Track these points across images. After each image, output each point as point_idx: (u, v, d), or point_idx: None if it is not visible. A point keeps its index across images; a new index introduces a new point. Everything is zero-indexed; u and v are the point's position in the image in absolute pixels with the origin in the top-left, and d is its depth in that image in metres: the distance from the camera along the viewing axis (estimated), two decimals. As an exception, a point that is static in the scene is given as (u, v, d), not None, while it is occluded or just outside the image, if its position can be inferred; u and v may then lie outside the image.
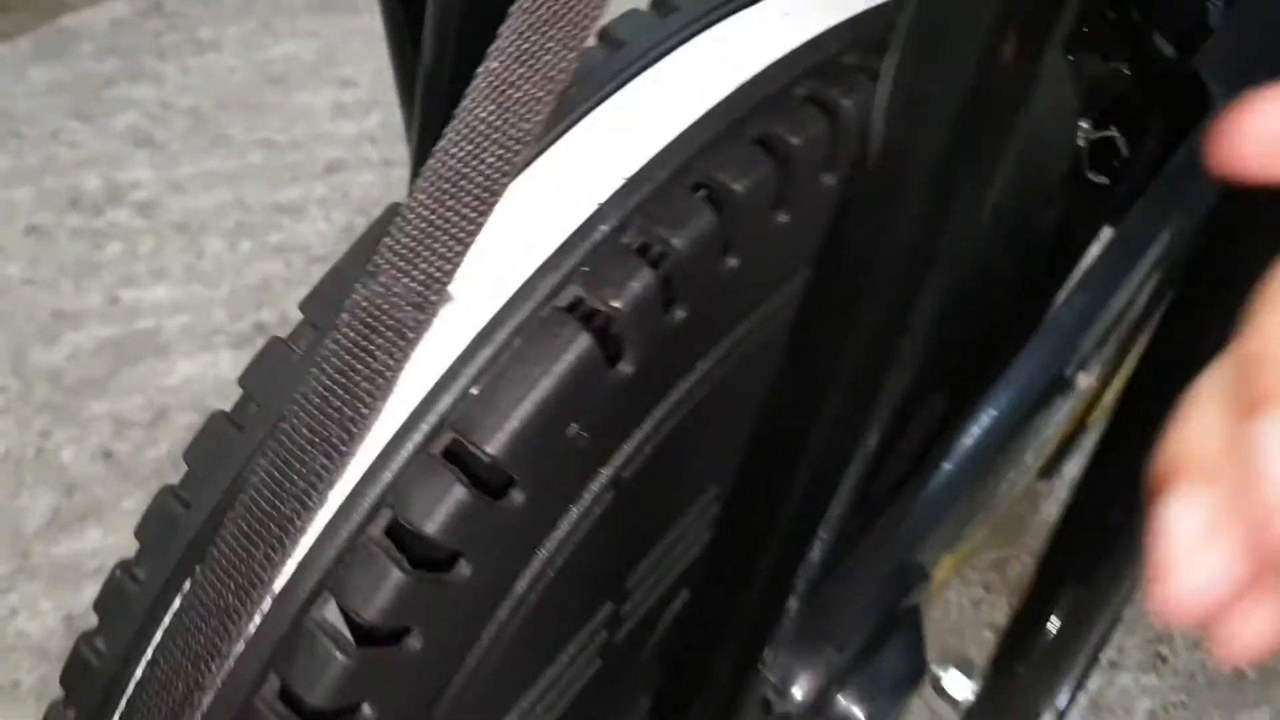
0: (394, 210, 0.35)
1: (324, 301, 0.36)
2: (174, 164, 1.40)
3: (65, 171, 1.39)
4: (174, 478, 0.36)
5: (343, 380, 0.33)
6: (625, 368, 0.36)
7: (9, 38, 1.55)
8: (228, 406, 0.36)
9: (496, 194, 0.33)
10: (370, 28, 1.56)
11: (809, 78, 0.39)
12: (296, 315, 0.36)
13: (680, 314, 0.37)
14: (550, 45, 0.32)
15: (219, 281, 1.28)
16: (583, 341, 0.34)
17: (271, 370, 0.36)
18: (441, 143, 0.33)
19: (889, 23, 0.44)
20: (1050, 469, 0.88)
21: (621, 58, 0.39)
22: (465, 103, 0.33)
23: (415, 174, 0.50)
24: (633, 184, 0.36)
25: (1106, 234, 0.68)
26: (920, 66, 0.31)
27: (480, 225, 0.33)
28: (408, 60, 0.56)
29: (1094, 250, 0.67)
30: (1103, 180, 0.70)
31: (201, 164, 1.41)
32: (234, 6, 1.61)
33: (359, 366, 0.33)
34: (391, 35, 0.58)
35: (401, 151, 1.43)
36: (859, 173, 0.34)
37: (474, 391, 0.34)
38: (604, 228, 0.36)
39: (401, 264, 0.33)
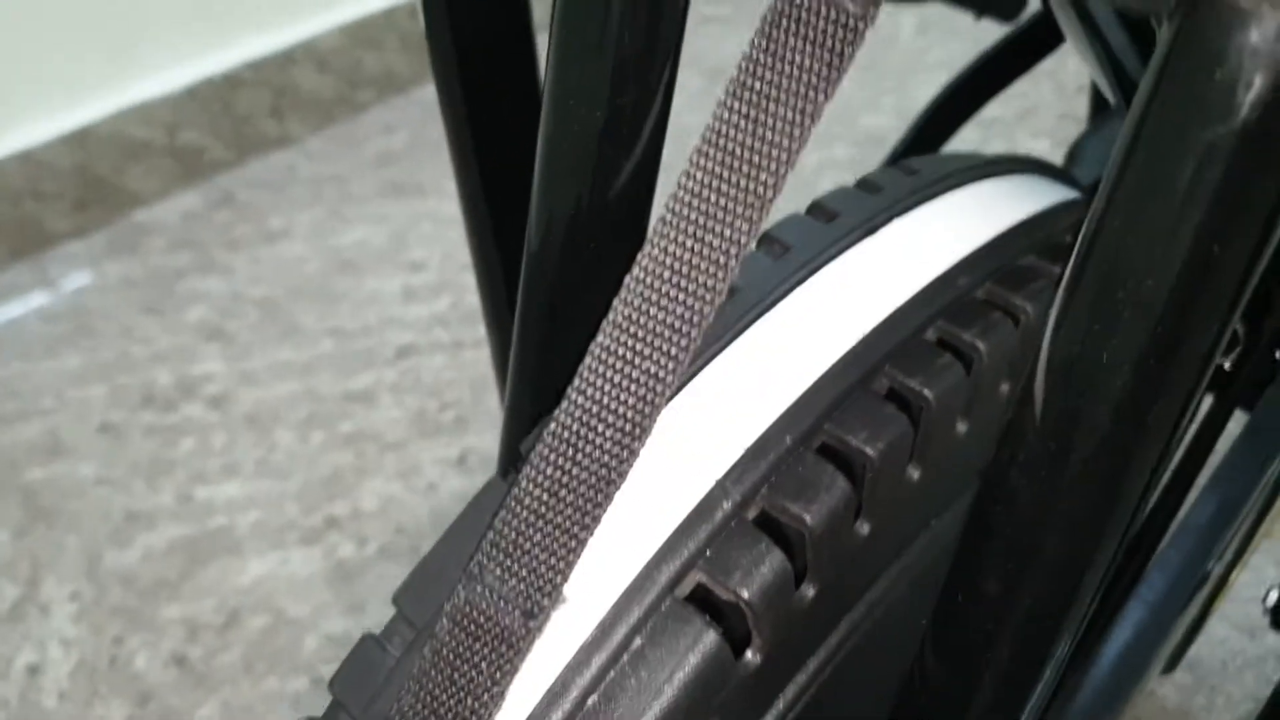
0: (493, 489, 0.32)
1: (419, 596, 0.32)
2: (245, 356, 1.40)
3: (138, 367, 1.39)
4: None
5: (444, 698, 0.29)
6: (753, 657, 0.32)
7: (85, 234, 1.57)
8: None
9: (616, 481, 0.29)
10: (438, 210, 1.57)
11: (944, 318, 0.36)
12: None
13: (811, 591, 0.33)
14: (665, 322, 0.29)
15: (290, 474, 1.26)
16: (709, 639, 0.31)
17: (364, 676, 0.32)
18: (551, 425, 0.30)
19: (1046, 236, 0.42)
20: (1174, 663, 0.82)
21: (739, 303, 0.36)
22: (576, 381, 0.30)
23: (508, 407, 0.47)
24: (756, 451, 0.33)
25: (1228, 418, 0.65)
26: (1092, 327, 0.28)
27: (598, 517, 0.29)
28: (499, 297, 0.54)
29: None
30: (1225, 364, 0.67)
31: (272, 355, 1.40)
32: (304, 195, 1.63)
33: (461, 680, 0.29)
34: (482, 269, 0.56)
35: (472, 333, 1.42)
36: (1014, 432, 0.30)
37: (591, 702, 0.30)
38: (727, 504, 0.32)
39: (508, 562, 0.29)
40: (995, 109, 0.97)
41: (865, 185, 0.43)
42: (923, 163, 0.45)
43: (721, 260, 0.29)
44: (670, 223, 0.30)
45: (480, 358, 1.39)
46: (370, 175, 1.66)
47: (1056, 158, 0.92)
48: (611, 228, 0.41)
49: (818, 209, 0.41)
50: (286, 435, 1.30)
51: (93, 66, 1.52)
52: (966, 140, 0.96)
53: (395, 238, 1.55)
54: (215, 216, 1.61)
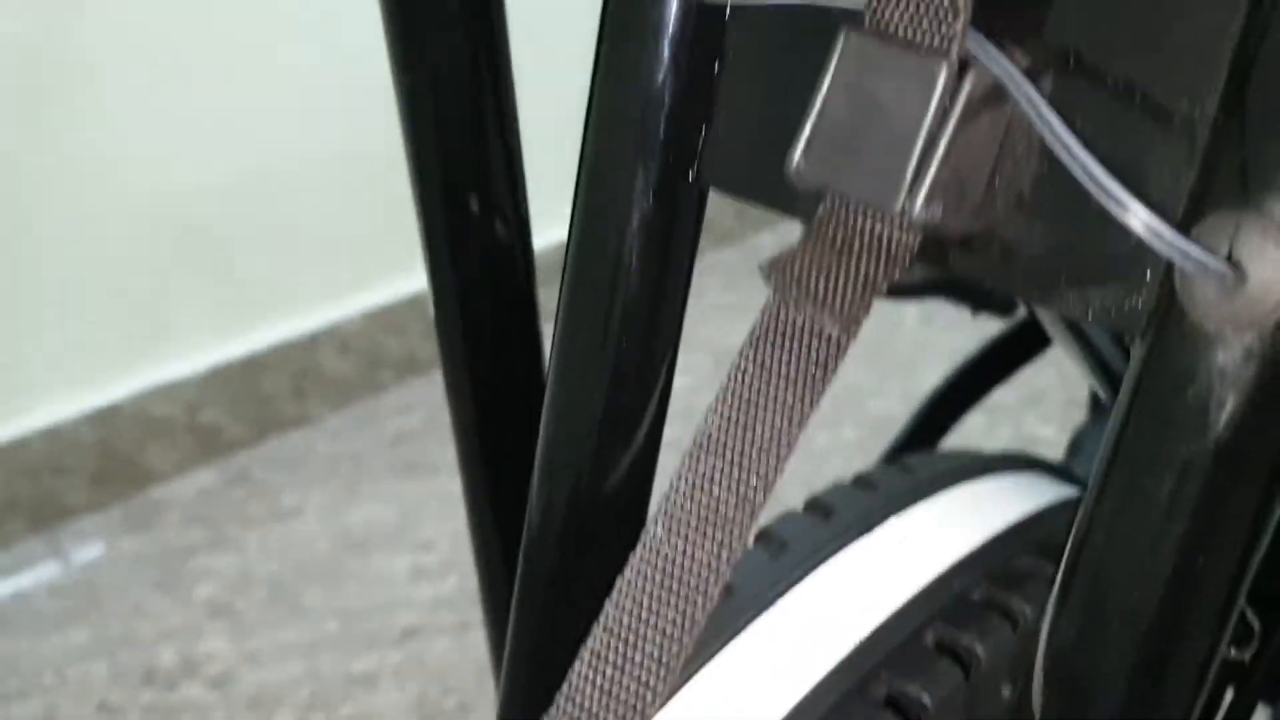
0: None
1: None
2: (250, 635, 1.38)
3: (142, 645, 1.37)
4: None
5: None
6: None
7: (103, 508, 1.58)
8: None
9: None
10: (450, 490, 1.57)
11: (941, 620, 0.36)
12: None
13: None
14: (656, 626, 0.29)
15: (288, 762, 1.22)
16: None
17: None
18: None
19: (1044, 535, 0.42)
20: None
21: (735, 603, 0.36)
22: (566, 688, 0.30)
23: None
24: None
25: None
26: (1084, 637, 0.28)
27: None
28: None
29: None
30: (1241, 657, 0.65)
31: (277, 635, 1.38)
32: (319, 472, 1.65)
33: None
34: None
35: (477, 614, 1.40)
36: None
37: None
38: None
39: None
40: (1001, 394, 0.99)
41: (862, 482, 0.44)
42: (920, 460, 0.46)
43: (713, 564, 0.30)
44: (662, 525, 0.30)
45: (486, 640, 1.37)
46: (385, 454, 1.68)
47: (1063, 443, 0.93)
48: (610, 518, 0.42)
49: (815, 506, 0.42)
50: (287, 717, 1.27)
51: (120, 349, 1.56)
52: (972, 425, 0.97)
53: (406, 516, 1.56)
54: (231, 493, 1.62)
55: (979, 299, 0.88)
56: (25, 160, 1.39)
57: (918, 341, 1.94)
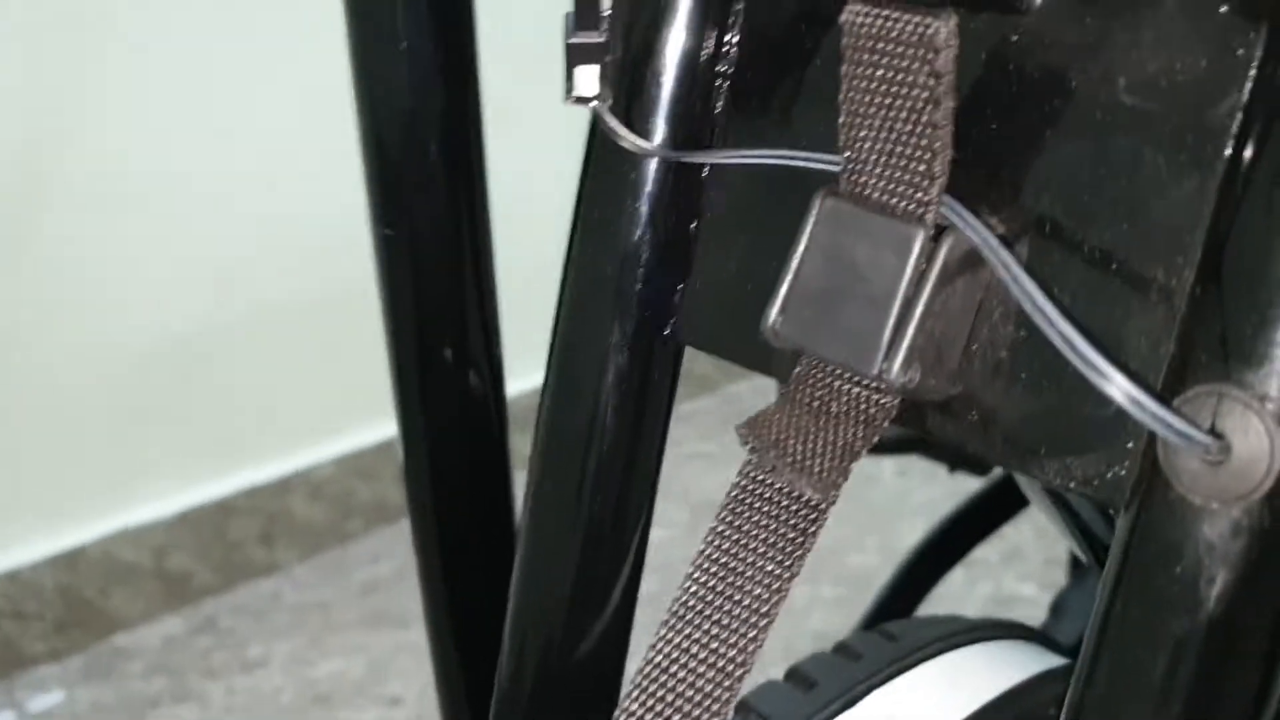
0: None
1: None
2: (208, 794, 1.33)
3: (93, 803, 1.32)
4: None
5: None
6: None
7: (61, 657, 1.53)
8: None
9: None
10: (419, 642, 1.54)
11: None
12: None
13: None
14: None
15: None
16: None
17: None
18: None
19: (1028, 709, 0.41)
20: None
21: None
22: None
23: None
24: None
25: None
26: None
27: None
28: None
29: None
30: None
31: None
32: (286, 622, 1.61)
33: None
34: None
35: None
36: None
37: None
38: None
39: None
40: (980, 551, 0.98)
41: (844, 651, 0.42)
42: (902, 628, 0.45)
43: None
44: (638, 701, 0.29)
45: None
46: (354, 604, 1.64)
47: (1043, 602, 0.92)
48: (584, 684, 0.40)
49: (796, 676, 0.40)
50: None
51: (89, 493, 1.54)
52: (952, 581, 0.95)
53: (374, 669, 1.52)
54: (196, 642, 1.57)
55: (955, 457, 0.88)
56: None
57: (896, 495, 1.93)
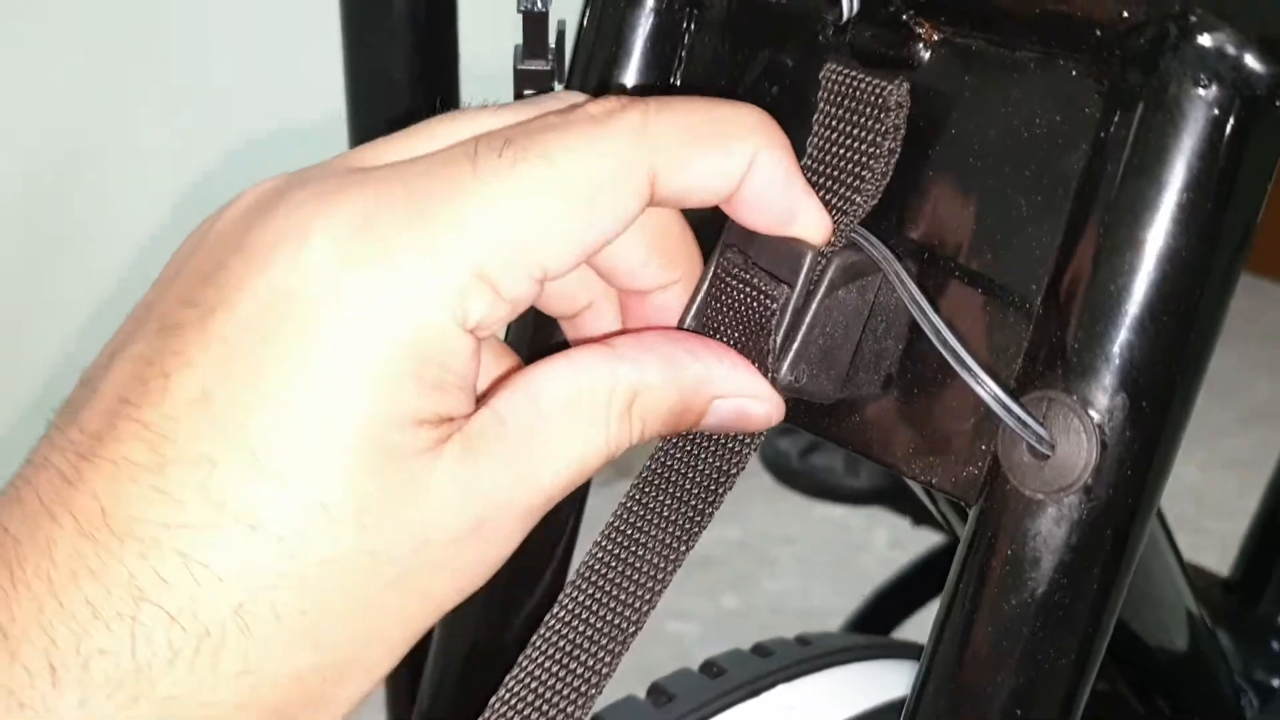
0: None
1: None
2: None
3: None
4: None
5: None
6: None
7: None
8: None
9: None
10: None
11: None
12: None
13: None
14: None
15: None
16: None
17: None
18: None
19: None
20: None
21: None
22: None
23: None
24: None
25: None
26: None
27: None
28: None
29: None
30: None
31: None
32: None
33: None
34: None
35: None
36: None
37: None
38: None
39: None
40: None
41: (759, 650, 0.46)
42: (818, 636, 0.48)
43: (582, 689, 0.32)
44: (538, 649, 0.32)
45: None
46: None
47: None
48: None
49: (709, 666, 0.44)
50: None
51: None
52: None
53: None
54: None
55: (918, 512, 0.91)
56: None
57: (887, 564, 1.95)
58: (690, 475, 0.33)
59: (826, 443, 0.35)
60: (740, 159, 0.30)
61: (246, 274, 0.27)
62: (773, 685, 0.42)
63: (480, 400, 0.30)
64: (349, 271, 0.27)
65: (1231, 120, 0.27)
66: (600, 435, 0.30)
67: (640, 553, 0.33)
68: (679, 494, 0.33)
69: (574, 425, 0.30)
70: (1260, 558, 0.81)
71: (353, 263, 0.27)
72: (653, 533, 0.33)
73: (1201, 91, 0.27)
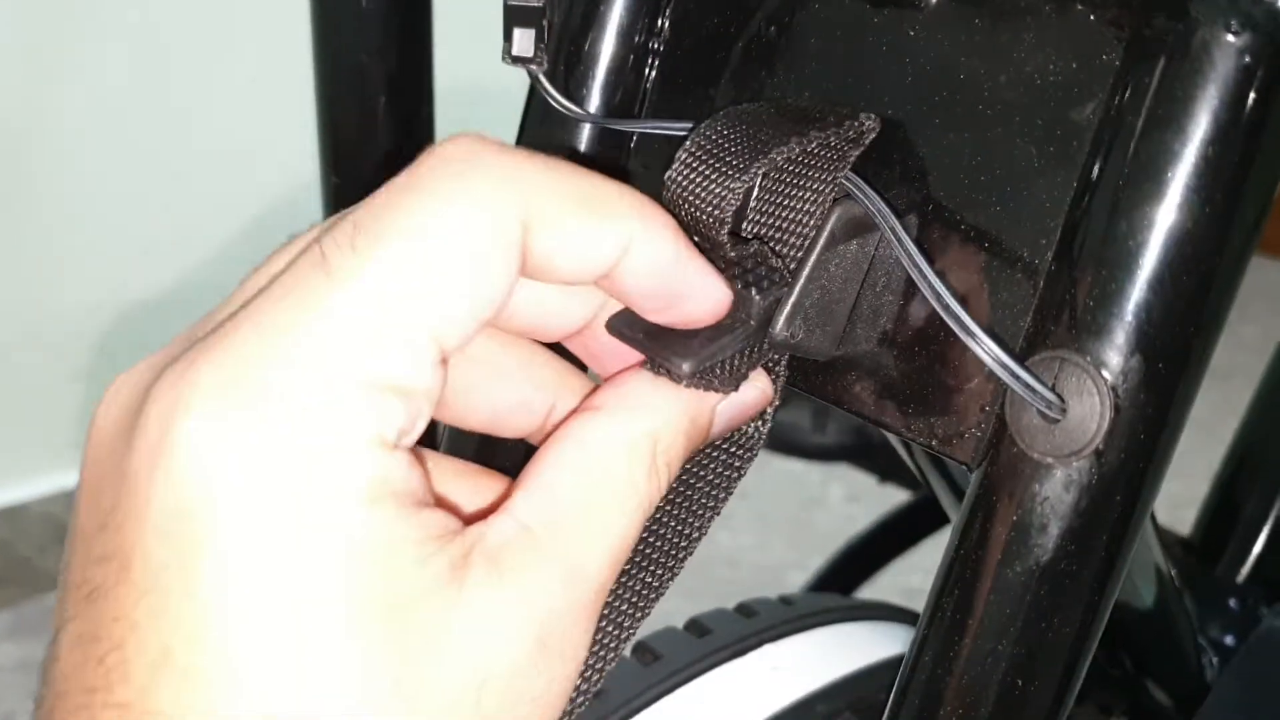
0: None
1: None
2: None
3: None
4: None
5: None
6: None
7: (-6, 610, 1.54)
8: None
9: None
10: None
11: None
12: None
13: None
14: None
15: None
16: None
17: None
18: None
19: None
20: None
21: (602, 706, 0.37)
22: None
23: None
24: None
25: None
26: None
27: None
28: None
29: None
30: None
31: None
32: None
33: None
34: None
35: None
36: None
37: None
38: None
39: None
40: (918, 580, 1.01)
41: (743, 609, 0.45)
42: (801, 597, 0.47)
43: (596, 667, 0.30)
44: None
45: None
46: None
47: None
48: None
49: (694, 625, 0.43)
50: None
51: (32, 450, 1.54)
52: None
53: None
54: None
55: (885, 469, 0.91)
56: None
57: (843, 519, 1.96)
58: (702, 472, 0.32)
59: (794, 397, 0.34)
60: (621, 229, 0.27)
61: (138, 511, 0.24)
62: (759, 645, 0.42)
63: (488, 512, 0.27)
64: (231, 458, 0.23)
65: (1262, 69, 0.26)
66: (633, 502, 0.27)
67: (666, 536, 0.31)
68: (690, 492, 0.32)
69: (606, 507, 0.27)
70: (1220, 518, 0.81)
71: (232, 447, 0.23)
72: (664, 533, 0.31)
73: (1231, 38, 0.26)
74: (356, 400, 0.24)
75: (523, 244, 0.26)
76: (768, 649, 0.42)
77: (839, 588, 0.89)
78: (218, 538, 0.23)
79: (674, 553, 0.31)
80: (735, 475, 0.32)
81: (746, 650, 0.41)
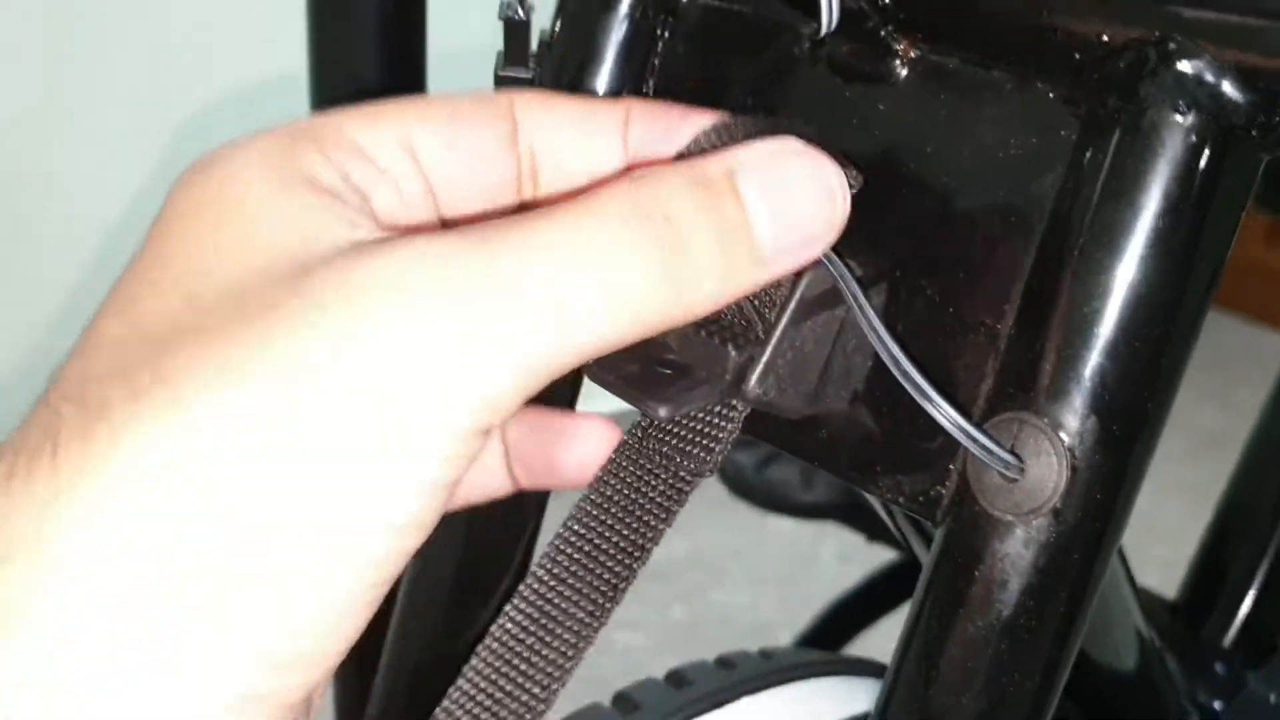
0: None
1: None
2: None
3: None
4: None
5: None
6: None
7: None
8: None
9: None
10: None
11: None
12: None
13: None
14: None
15: None
16: None
17: None
18: None
19: None
20: None
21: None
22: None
23: None
24: None
25: None
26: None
27: None
28: None
29: None
30: None
31: None
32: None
33: None
34: None
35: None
36: None
37: None
38: None
39: None
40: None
41: (723, 662, 0.46)
42: (781, 651, 0.48)
43: (540, 693, 0.31)
44: (496, 640, 0.31)
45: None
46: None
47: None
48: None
49: (674, 676, 0.43)
50: None
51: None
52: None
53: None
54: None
55: (874, 527, 0.91)
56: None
57: (834, 579, 1.96)
58: (647, 477, 0.33)
59: (783, 456, 0.35)
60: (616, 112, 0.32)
61: None
62: (737, 697, 0.42)
63: None
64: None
65: (1208, 148, 0.27)
66: None
67: (598, 556, 0.32)
68: (636, 497, 0.33)
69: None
70: (1206, 582, 0.81)
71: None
72: (610, 536, 0.32)
73: (1179, 118, 0.27)
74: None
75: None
76: (744, 701, 0.43)
77: (825, 645, 0.90)
78: None
79: (615, 554, 0.32)
80: (682, 479, 0.32)
81: (725, 702, 0.42)
